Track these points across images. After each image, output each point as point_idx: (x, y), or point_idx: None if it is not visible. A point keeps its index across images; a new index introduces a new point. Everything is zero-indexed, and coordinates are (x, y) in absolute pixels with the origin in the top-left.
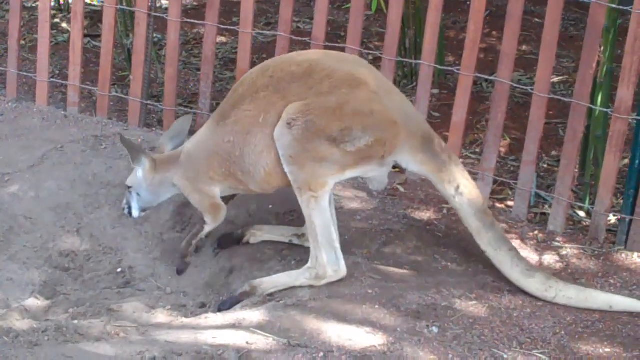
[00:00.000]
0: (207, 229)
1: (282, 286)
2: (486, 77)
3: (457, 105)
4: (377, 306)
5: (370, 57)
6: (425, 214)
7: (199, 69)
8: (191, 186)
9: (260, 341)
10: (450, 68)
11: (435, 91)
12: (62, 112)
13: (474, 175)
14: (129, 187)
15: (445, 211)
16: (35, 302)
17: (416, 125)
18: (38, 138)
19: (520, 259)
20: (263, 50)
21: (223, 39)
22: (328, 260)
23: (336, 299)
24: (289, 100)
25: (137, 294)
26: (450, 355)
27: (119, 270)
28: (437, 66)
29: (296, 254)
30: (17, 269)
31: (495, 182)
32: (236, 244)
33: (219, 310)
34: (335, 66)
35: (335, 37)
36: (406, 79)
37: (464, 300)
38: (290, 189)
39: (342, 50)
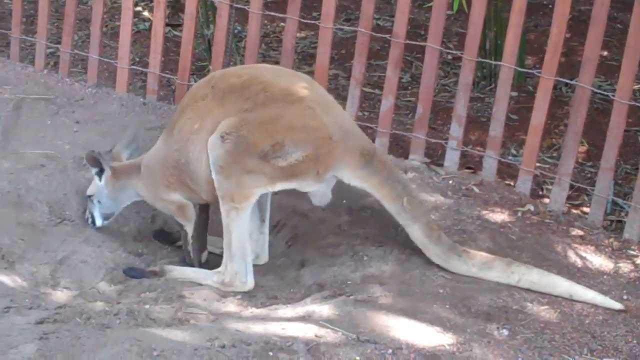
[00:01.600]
0: (188, 229)
1: (188, 279)
2: (567, 81)
3: (536, 108)
4: (447, 306)
5: (450, 57)
6: (499, 216)
7: (277, 63)
8: (153, 195)
9: (329, 335)
10: (531, 71)
11: (514, 94)
12: (141, 100)
13: (550, 180)
14: (90, 197)
15: (520, 214)
16: (107, 285)
17: (355, 141)
18: (116, 124)
19: (473, 258)
20: (342, 46)
21: (302, 34)
22: (238, 270)
23: (407, 297)
24: (225, 109)
25: None
26: (520, 359)
27: None
28: (518, 68)
29: (369, 250)
30: (91, 251)
31: (571, 187)
32: (170, 244)
33: (124, 272)
34: (272, 80)
35: (415, 35)
36: (485, 81)
37: (536, 305)
38: None
39: (422, 48)
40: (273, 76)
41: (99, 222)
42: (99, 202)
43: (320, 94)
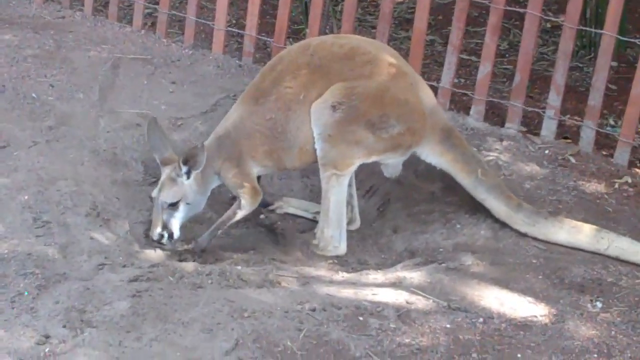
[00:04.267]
0: (241, 213)
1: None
2: None
3: (637, 78)
4: (540, 276)
5: (549, 25)
6: (595, 187)
7: (373, 27)
8: (232, 168)
9: (420, 302)
10: (633, 40)
11: (614, 63)
12: (237, 62)
13: None
14: (174, 204)
15: (617, 186)
16: None
17: (438, 117)
18: (212, 85)
19: (562, 222)
20: (439, 12)
21: None
22: (332, 235)
23: (499, 266)
24: (330, 79)
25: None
26: (613, 332)
27: (278, 224)
28: (620, 37)
29: (462, 218)
30: None
31: None
32: (262, 207)
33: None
34: (376, 53)
35: (513, 2)
36: (584, 50)
37: (631, 278)
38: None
39: (520, 15)
40: (374, 49)
41: (177, 232)
42: (187, 204)
43: (413, 71)
